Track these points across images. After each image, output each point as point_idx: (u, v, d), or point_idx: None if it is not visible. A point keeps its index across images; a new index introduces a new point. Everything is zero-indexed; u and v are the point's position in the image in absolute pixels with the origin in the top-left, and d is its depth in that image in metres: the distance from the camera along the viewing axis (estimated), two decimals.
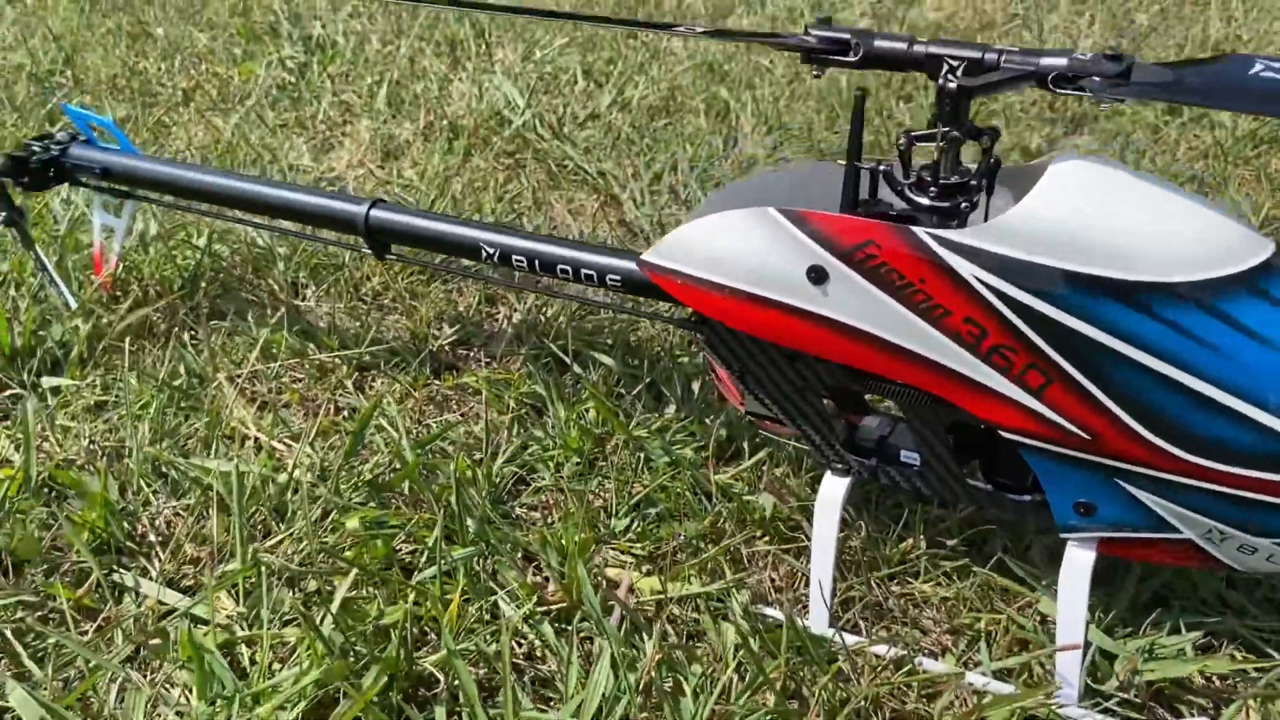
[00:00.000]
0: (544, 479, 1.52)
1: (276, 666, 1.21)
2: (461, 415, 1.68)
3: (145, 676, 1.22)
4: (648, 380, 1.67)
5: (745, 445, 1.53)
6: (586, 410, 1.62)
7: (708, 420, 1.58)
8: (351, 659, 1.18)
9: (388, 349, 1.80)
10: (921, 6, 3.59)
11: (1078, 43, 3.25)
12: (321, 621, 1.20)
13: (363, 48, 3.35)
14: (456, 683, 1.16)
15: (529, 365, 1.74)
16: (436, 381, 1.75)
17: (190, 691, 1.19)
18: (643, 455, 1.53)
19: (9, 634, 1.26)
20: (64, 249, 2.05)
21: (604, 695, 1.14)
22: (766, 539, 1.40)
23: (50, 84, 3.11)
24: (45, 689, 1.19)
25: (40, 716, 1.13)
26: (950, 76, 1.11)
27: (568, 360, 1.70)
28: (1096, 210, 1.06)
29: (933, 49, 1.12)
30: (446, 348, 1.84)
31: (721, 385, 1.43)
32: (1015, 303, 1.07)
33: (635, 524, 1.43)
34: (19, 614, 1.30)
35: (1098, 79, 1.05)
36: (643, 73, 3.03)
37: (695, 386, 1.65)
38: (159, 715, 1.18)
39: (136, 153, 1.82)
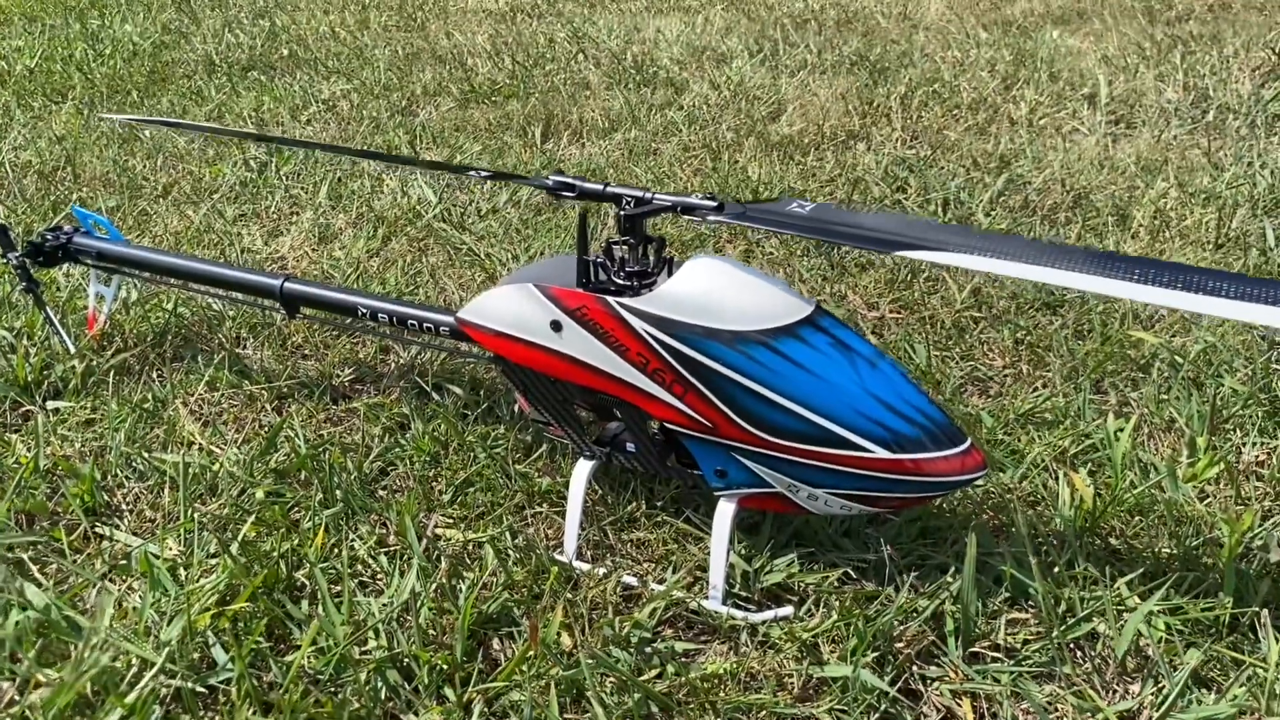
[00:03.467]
0: (400, 469, 2.18)
1: (203, 579, 1.85)
2: (348, 429, 2.34)
3: (116, 586, 1.86)
4: (485, 405, 2.34)
5: (544, 449, 2.20)
6: (439, 426, 2.29)
7: (519, 431, 2.24)
8: (250, 569, 1.82)
9: (300, 383, 2.47)
10: (779, 124, 4.35)
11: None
12: (231, 547, 1.85)
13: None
14: (315, 588, 1.81)
15: (403, 395, 2.41)
16: (334, 406, 2.42)
17: (144, 593, 1.83)
18: (472, 454, 2.20)
19: (26, 559, 1.90)
20: (65, 311, 2.72)
21: (411, 589, 1.78)
22: (544, 505, 2.06)
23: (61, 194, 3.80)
24: (49, 591, 1.83)
25: (45, 604, 1.77)
26: (626, 206, 1.80)
27: (429, 390, 2.37)
28: (707, 287, 1.74)
29: (616, 190, 1.81)
30: (346, 383, 2.51)
31: (519, 401, 2.11)
32: (662, 342, 1.75)
33: (457, 497, 2.09)
34: (31, 550, 1.95)
35: (704, 210, 1.74)
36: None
37: (516, 408, 2.32)
38: (124, 608, 1.81)
39: (123, 240, 2.50)
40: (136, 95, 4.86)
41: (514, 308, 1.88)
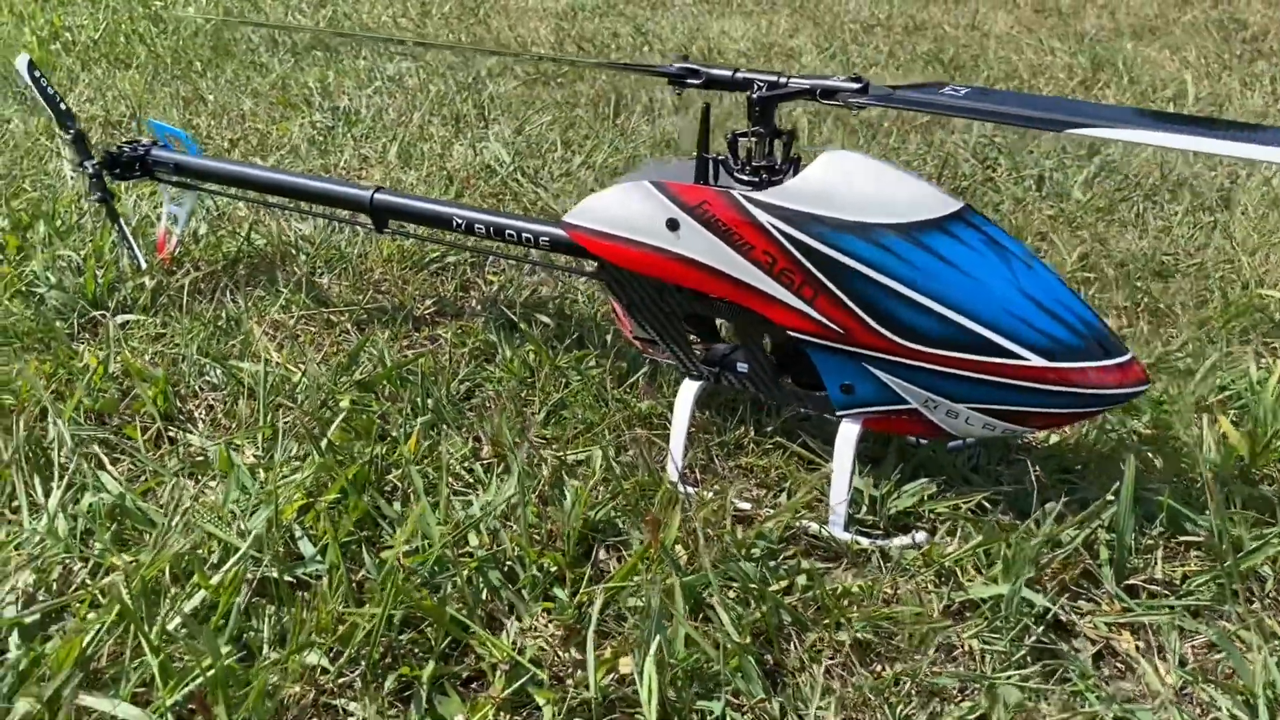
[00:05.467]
0: (488, 390, 2.05)
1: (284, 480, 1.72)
2: (433, 353, 2.21)
3: (191, 484, 1.74)
4: (575, 335, 2.22)
5: (643, 372, 2.06)
6: (527, 352, 2.16)
7: (614, 358, 2.11)
8: (340, 465, 1.69)
9: (380, 309, 2.35)
10: None
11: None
12: (320, 444, 1.72)
13: (380, 117, 4.00)
14: (410, 487, 1.68)
15: (488, 324, 2.29)
16: (416, 334, 2.29)
17: (223, 490, 1.70)
18: (564, 380, 2.06)
19: (97, 449, 1.77)
20: (135, 235, 2.62)
21: (509, 496, 1.64)
22: (643, 428, 1.92)
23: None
24: (121, 484, 1.70)
25: (119, 491, 1.64)
26: (758, 91, 1.68)
27: (516, 319, 2.24)
28: (845, 179, 1.61)
29: (747, 74, 1.69)
30: (427, 315, 2.39)
31: (618, 320, 1.98)
32: (792, 238, 1.61)
33: (551, 419, 1.96)
34: (102, 448, 1.83)
35: (846, 93, 1.62)
36: (610, 145, 3.66)
37: (609, 339, 2.19)
38: (200, 503, 1.68)
39: (200, 154, 2.40)
40: (200, 66, 4.81)
41: (627, 207, 1.76)
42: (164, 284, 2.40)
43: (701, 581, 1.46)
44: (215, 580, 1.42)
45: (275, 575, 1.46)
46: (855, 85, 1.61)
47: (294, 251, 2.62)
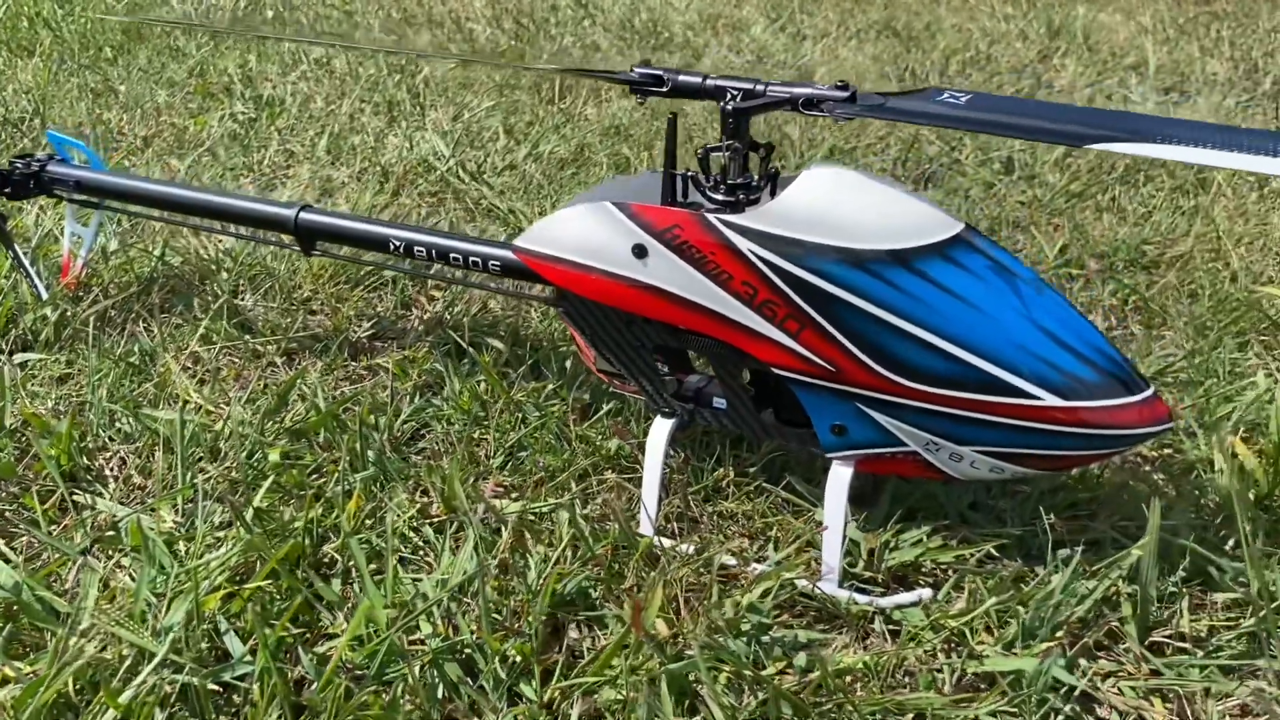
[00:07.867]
0: (436, 431, 1.86)
1: (208, 555, 1.51)
2: (372, 387, 2.00)
3: (100, 562, 1.52)
4: (531, 361, 2.02)
5: (602, 407, 1.88)
6: (479, 383, 1.96)
7: (574, 389, 1.92)
8: (269, 542, 1.48)
9: (312, 337, 2.13)
10: None
11: None
12: (244, 514, 1.52)
13: (307, 106, 3.73)
14: (351, 563, 1.48)
15: (433, 351, 2.08)
16: (353, 363, 2.08)
17: (136, 572, 1.49)
18: (520, 415, 1.87)
19: None
20: (36, 258, 2.36)
21: (466, 570, 1.45)
22: (612, 471, 1.74)
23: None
24: (18, 569, 1.48)
25: (14, 582, 1.42)
26: (731, 102, 1.49)
27: (465, 345, 2.03)
28: (834, 199, 1.43)
29: (719, 82, 1.50)
30: (364, 340, 2.17)
31: (580, 351, 1.79)
32: (775, 267, 1.43)
33: (508, 463, 1.77)
34: None
35: (832, 103, 1.44)
36: (556, 132, 3.44)
37: (568, 364, 2.00)
38: (110, 591, 1.47)
39: (105, 169, 2.16)
40: (110, 52, 4.48)
41: (587, 230, 1.56)
42: (69, 315, 2.15)
43: (689, 669, 1.29)
44: (126, 697, 1.22)
45: (198, 683, 1.25)
46: (842, 94, 1.43)
47: (215, 270, 2.38)
